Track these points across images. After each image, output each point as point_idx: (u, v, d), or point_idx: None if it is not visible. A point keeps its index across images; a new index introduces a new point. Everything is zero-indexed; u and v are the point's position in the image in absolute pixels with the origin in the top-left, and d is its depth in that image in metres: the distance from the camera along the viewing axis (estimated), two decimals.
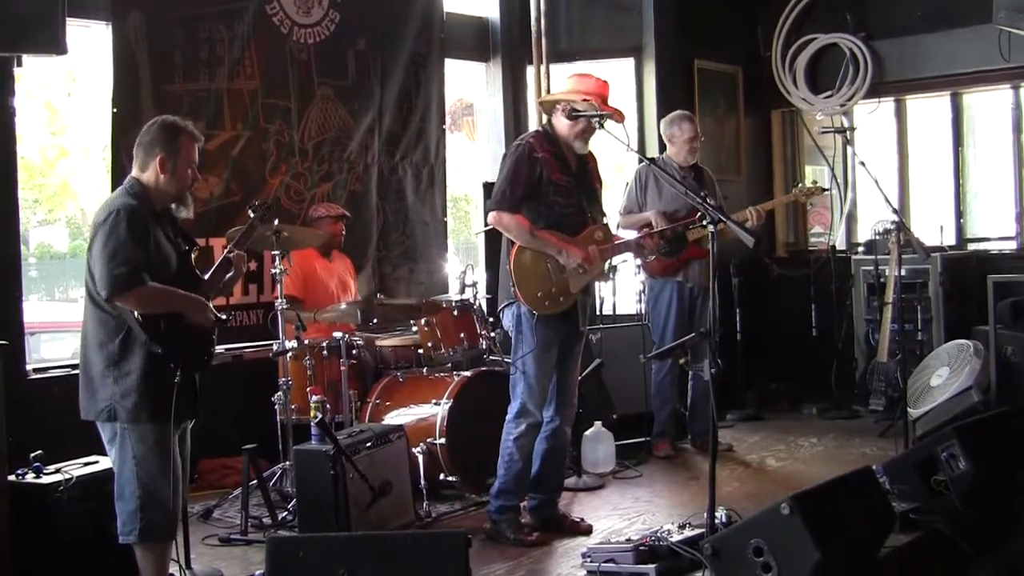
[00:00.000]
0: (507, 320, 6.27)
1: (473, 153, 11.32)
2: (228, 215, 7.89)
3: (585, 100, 6.08)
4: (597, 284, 7.58)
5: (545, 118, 6.50)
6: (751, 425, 9.53)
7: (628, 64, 10.43)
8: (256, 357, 7.78)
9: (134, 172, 5.15)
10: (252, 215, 5.87)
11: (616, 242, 6.44)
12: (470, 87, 10.81)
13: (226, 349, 7.65)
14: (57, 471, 5.41)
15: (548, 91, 9.47)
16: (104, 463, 5.39)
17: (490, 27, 10.26)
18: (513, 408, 6.23)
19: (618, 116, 6.05)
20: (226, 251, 5.46)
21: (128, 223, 4.85)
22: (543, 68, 9.85)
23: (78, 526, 5.30)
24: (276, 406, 6.89)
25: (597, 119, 5.97)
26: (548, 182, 6.11)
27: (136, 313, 4.85)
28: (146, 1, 7.53)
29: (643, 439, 8.37)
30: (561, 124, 6.23)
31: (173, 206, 5.20)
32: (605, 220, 6.44)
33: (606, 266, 6.41)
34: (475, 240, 10.45)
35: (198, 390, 5.16)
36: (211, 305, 5.16)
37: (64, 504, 5.28)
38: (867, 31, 10.48)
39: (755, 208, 7.96)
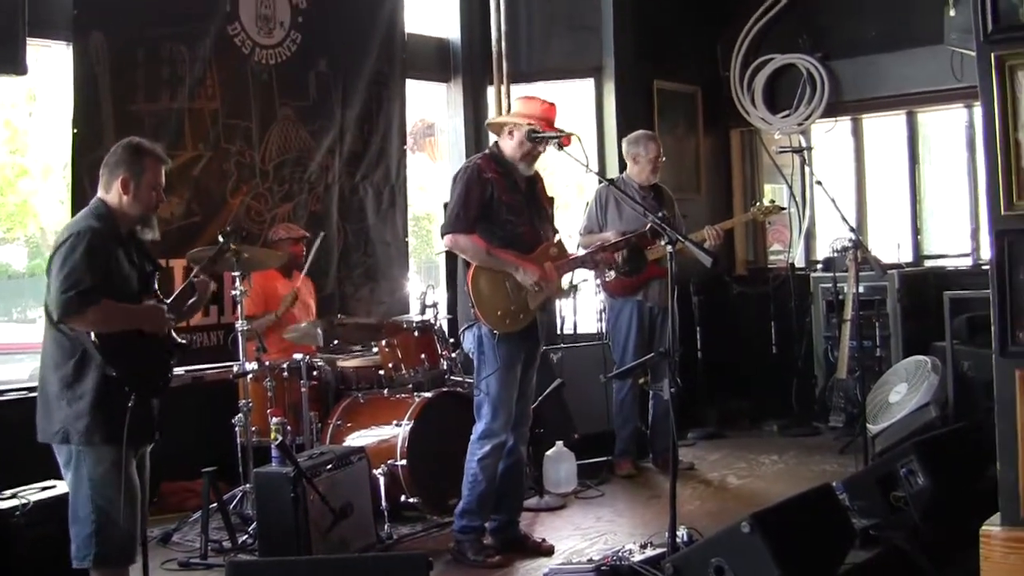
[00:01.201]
0: (468, 342, 6.23)
1: (435, 173, 11.29)
2: (189, 236, 7.83)
3: (529, 124, 6.09)
4: (557, 303, 7.55)
5: (493, 139, 6.49)
6: (712, 443, 9.51)
7: (588, 85, 10.46)
8: (216, 378, 7.70)
9: (99, 193, 5.09)
10: (221, 240, 5.81)
11: (571, 257, 6.44)
12: (431, 107, 10.79)
13: (186, 370, 7.56)
14: (14, 496, 5.35)
15: (509, 111, 9.46)
16: (62, 487, 5.31)
17: (451, 48, 10.28)
18: (478, 429, 6.18)
19: (564, 140, 6.02)
20: (191, 275, 5.40)
21: (87, 245, 4.79)
22: (504, 88, 9.88)
23: (36, 551, 5.23)
24: (236, 428, 6.82)
25: (556, 142, 5.96)
26: (499, 202, 6.11)
27: (92, 335, 4.79)
28: (107, 21, 7.49)
29: (605, 458, 8.31)
30: (507, 146, 6.23)
31: (138, 228, 5.14)
32: (558, 237, 6.43)
33: (564, 283, 6.39)
34: (436, 260, 10.42)
35: (155, 414, 5.09)
36: (166, 312, 5.08)
37: (21, 529, 5.22)
38: (823, 51, 10.56)
39: (713, 228, 7.96)
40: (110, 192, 5.04)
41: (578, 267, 6.61)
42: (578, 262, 6.53)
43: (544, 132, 6.06)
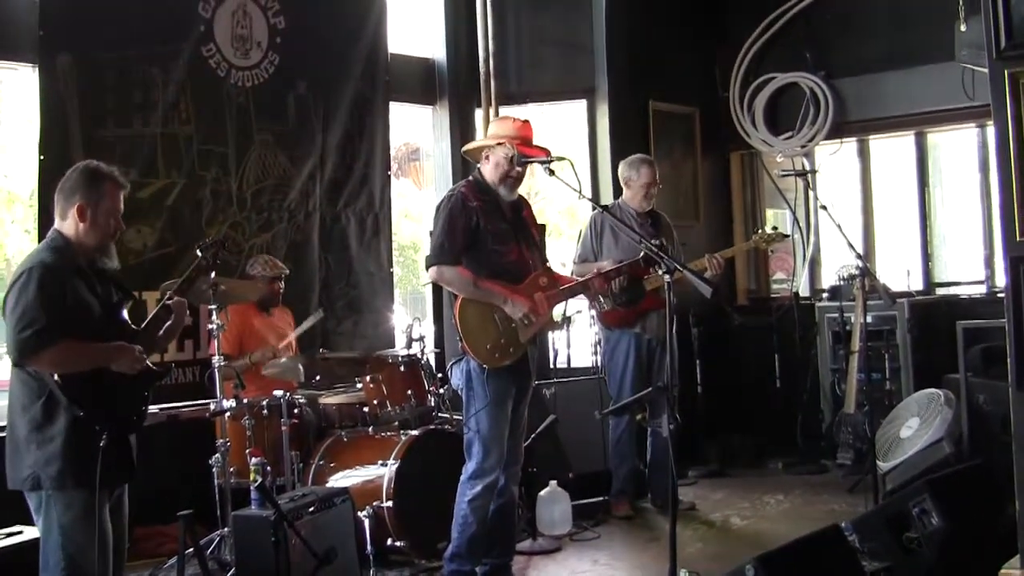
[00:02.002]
0: (456, 378, 6.25)
1: (420, 200, 11.31)
2: (162, 267, 7.84)
3: (500, 144, 6.14)
4: (549, 334, 7.54)
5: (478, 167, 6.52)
6: (714, 482, 9.51)
7: (580, 106, 10.49)
8: (192, 417, 7.70)
9: (56, 222, 5.07)
10: (200, 254, 5.81)
11: (562, 287, 6.44)
12: (417, 131, 10.82)
13: (160, 408, 7.56)
14: None
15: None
16: (30, 533, 5.30)
17: (437, 69, 10.30)
18: (468, 468, 6.18)
19: (548, 159, 6.05)
20: (165, 297, 5.37)
21: (39, 282, 4.78)
22: (492, 111, 9.91)
23: None
24: (213, 469, 6.80)
25: (546, 167, 5.99)
26: (485, 231, 6.14)
27: (55, 375, 4.78)
28: (75, 43, 7.52)
29: (601, 498, 8.33)
30: (486, 170, 6.29)
31: (97, 256, 5.13)
32: (548, 265, 6.46)
33: (555, 314, 6.41)
34: (423, 291, 10.43)
35: (132, 450, 5.08)
36: (138, 349, 5.06)
37: None
38: (827, 69, 10.61)
39: (713, 256, 7.96)
40: (67, 220, 5.02)
41: (570, 297, 6.60)
42: (569, 292, 6.53)
43: (531, 156, 6.11)
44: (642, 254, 6.32)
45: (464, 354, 6.11)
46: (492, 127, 6.54)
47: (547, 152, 6.19)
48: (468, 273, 6.09)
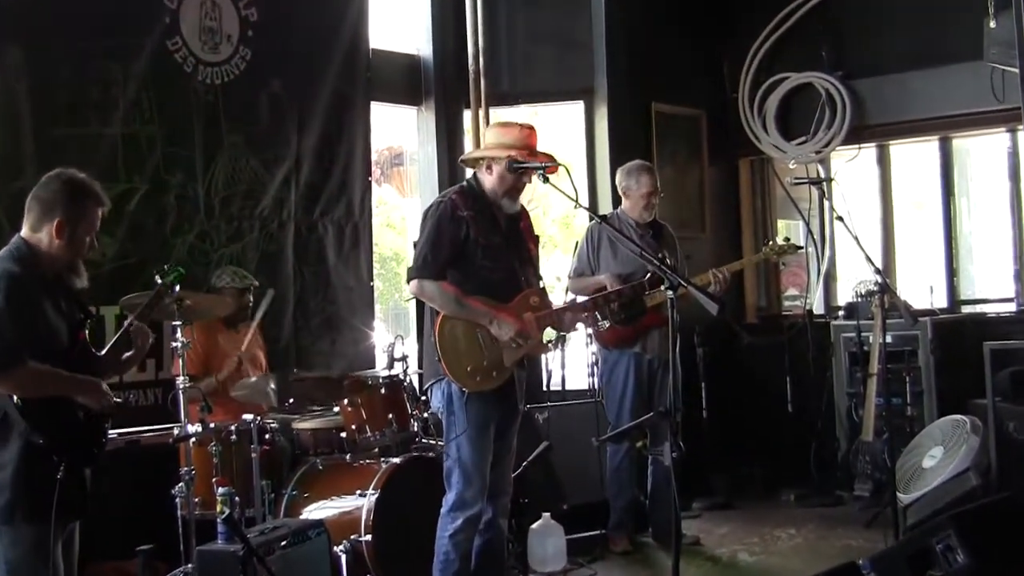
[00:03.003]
0: (436, 400, 6.23)
1: (404, 207, 11.30)
2: (123, 280, 7.75)
3: (509, 156, 6.09)
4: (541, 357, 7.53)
5: (470, 171, 6.49)
6: (720, 515, 9.52)
7: (577, 108, 10.50)
8: (154, 443, 7.63)
9: (24, 231, 5.04)
10: (160, 282, 5.77)
11: (555, 309, 6.41)
12: (400, 133, 10.81)
13: (119, 434, 7.49)
14: None
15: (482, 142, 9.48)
16: None
17: (422, 66, 10.28)
18: (448, 500, 6.15)
19: (551, 168, 6.02)
20: (127, 322, 5.35)
21: (6, 294, 4.75)
22: (482, 112, 9.89)
23: None
24: (176, 499, 6.70)
25: (541, 173, 5.95)
26: (475, 244, 6.11)
27: (14, 397, 4.73)
28: (27, 34, 7.45)
29: (598, 532, 8.32)
30: (487, 179, 6.24)
31: (65, 273, 5.09)
32: (541, 284, 6.42)
33: (546, 336, 6.37)
34: (406, 306, 10.40)
35: (87, 485, 5.04)
36: (106, 386, 5.04)
37: None
38: (845, 69, 10.61)
39: (718, 270, 7.93)
40: (39, 232, 4.99)
41: (564, 319, 6.55)
42: (563, 313, 6.50)
43: (527, 161, 6.06)
44: (648, 276, 6.29)
45: (443, 375, 6.08)
46: (493, 133, 6.47)
47: (551, 158, 6.14)
48: (452, 288, 6.06)
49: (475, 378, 6.05)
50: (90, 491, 5.07)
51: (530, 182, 6.21)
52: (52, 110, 7.58)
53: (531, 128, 6.31)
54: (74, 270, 5.12)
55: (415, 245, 6.34)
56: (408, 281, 6.25)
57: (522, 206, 6.42)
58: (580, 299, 7.33)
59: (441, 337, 6.05)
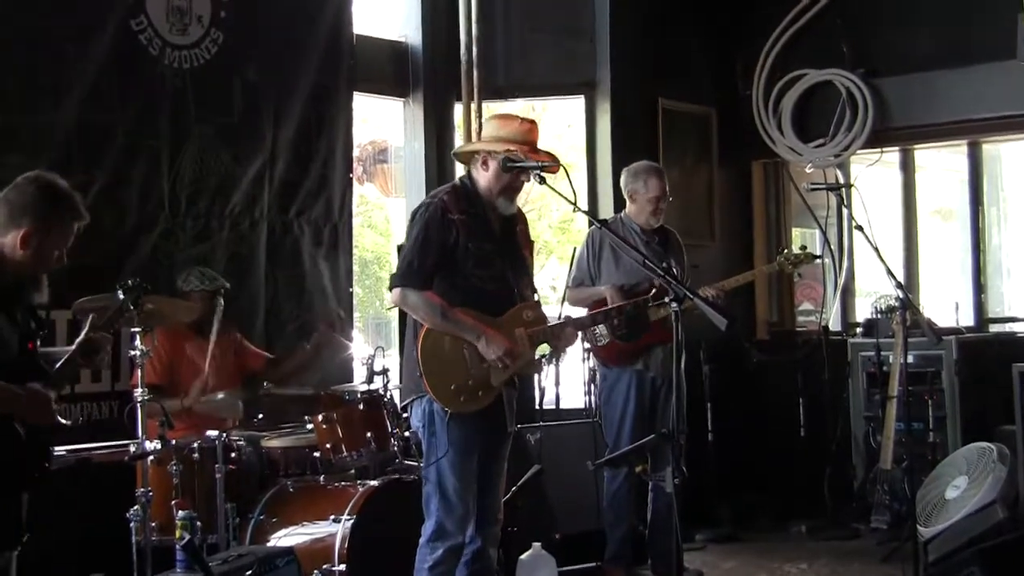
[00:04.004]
0: (415, 418, 6.20)
1: (388, 208, 11.29)
2: (78, 282, 7.64)
3: (508, 151, 6.01)
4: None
5: (464, 169, 6.44)
6: (726, 547, 9.53)
7: (578, 103, 10.57)
8: (107, 460, 7.51)
9: None
10: (122, 297, 5.71)
11: (549, 325, 6.36)
12: (385, 127, 10.79)
13: (70, 450, 7.39)
14: None
15: (480, 134, 9.44)
16: None
17: (410, 54, 10.28)
18: (427, 529, 6.10)
19: (552, 167, 5.98)
20: (83, 334, 5.25)
21: None
22: (474, 106, 9.89)
23: None
24: (131, 523, 6.63)
25: (538, 173, 5.89)
26: (465, 250, 6.05)
27: None
28: None
29: (593, 564, 8.30)
30: (482, 177, 6.18)
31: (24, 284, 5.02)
32: (536, 297, 6.39)
33: (539, 351, 6.31)
34: (388, 315, 10.36)
35: (23, 512, 4.96)
36: (54, 402, 4.94)
37: None
38: (867, 67, 10.61)
39: (713, 287, 7.97)
40: (3, 238, 4.93)
41: (559, 337, 6.50)
42: (558, 330, 6.44)
43: (523, 159, 5.98)
44: (652, 292, 6.23)
45: (424, 392, 6.03)
46: (491, 126, 6.43)
47: (552, 158, 6.09)
48: (438, 299, 6.01)
49: (459, 398, 5.99)
50: (26, 518, 4.98)
51: (528, 181, 6.12)
52: (0, 95, 7.50)
53: (532, 123, 6.27)
54: (36, 284, 5.04)
55: (399, 249, 6.26)
56: (390, 289, 6.22)
57: (519, 209, 6.36)
58: (577, 314, 7.27)
59: (424, 351, 6.00)
